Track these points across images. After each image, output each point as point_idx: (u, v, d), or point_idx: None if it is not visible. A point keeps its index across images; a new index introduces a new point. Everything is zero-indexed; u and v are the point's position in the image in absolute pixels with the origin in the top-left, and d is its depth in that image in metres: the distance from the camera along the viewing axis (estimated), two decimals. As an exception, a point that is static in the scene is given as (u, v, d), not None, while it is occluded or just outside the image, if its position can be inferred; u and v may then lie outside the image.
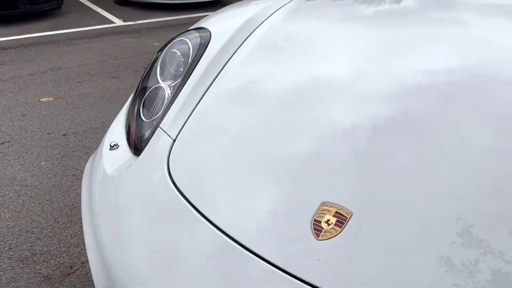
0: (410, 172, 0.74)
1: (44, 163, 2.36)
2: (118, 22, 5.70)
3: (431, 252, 0.63)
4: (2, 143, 2.57)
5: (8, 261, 1.66)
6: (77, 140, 2.61)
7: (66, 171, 2.28)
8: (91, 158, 1.24)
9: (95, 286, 0.93)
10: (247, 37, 1.26)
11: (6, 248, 1.73)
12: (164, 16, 6.02)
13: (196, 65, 1.18)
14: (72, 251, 1.70)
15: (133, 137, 1.14)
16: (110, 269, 0.86)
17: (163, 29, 5.45)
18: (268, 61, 1.15)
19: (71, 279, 1.57)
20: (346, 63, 1.06)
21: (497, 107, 0.81)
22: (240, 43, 1.23)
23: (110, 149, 1.14)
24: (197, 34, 1.29)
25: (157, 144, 1.02)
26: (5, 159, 2.39)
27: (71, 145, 2.55)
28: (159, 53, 1.32)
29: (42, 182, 2.18)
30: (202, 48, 1.23)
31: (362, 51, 1.08)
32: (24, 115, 2.96)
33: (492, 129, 0.77)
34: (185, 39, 1.29)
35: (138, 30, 5.34)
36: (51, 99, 3.24)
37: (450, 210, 0.67)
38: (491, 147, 0.74)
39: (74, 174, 2.24)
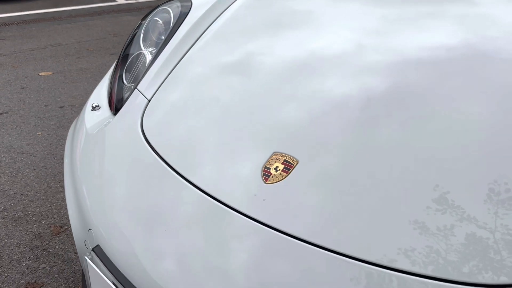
0: (386, 135, 0.77)
1: (40, 133, 2.44)
2: (120, 0, 5.73)
3: (375, 200, 0.70)
4: (1, 114, 2.66)
5: (2, 220, 1.75)
6: (73, 112, 2.69)
7: (61, 140, 2.36)
8: (75, 120, 1.31)
9: (74, 239, 1.01)
10: (227, 8, 1.31)
11: (1, 209, 1.82)
12: (166, -4, 6.04)
13: (175, 32, 1.24)
14: (63, 213, 1.78)
15: (114, 99, 1.21)
16: (88, 223, 0.92)
17: (164, 8, 5.46)
18: (245, 31, 1.21)
19: (60, 237, 1.66)
20: (315, 28, 1.11)
21: (493, 83, 0.83)
22: (220, 13, 1.29)
23: (92, 110, 1.20)
24: (179, 4, 1.35)
25: (133, 104, 1.09)
26: (3, 129, 2.48)
27: (67, 117, 2.62)
28: (143, 21, 1.38)
29: (37, 150, 2.26)
30: (182, 17, 1.29)
31: (356, 24, 1.09)
32: (23, 88, 3.03)
33: (483, 102, 0.79)
34: (167, 8, 1.35)
35: (140, 8, 5.38)
36: (50, 73, 3.31)
37: (424, 175, 0.69)
38: (478, 119, 0.76)
39: (68, 144, 2.32)
